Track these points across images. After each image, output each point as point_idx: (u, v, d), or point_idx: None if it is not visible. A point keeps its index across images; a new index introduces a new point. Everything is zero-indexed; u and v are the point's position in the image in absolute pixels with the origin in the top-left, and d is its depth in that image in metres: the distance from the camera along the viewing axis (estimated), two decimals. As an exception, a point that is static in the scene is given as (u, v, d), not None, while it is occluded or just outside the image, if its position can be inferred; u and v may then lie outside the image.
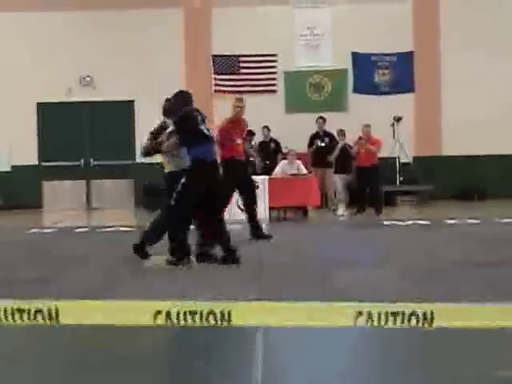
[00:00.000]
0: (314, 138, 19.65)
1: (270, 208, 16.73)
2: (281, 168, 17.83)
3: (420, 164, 21.07)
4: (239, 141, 12.58)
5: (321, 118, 19.96)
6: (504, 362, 5.12)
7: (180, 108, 10.09)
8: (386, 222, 15.81)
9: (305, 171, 17.81)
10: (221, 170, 10.21)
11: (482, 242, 12.01)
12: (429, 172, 20.98)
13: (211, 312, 2.54)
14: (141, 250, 10.16)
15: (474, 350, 5.31)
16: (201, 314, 2.55)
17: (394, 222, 15.75)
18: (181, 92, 10.62)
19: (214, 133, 11.95)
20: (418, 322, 2.54)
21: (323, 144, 19.39)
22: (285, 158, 18.34)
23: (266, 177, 17.08)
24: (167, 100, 10.61)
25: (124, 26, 21.98)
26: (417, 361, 5.31)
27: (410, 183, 20.54)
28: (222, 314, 2.53)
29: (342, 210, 18.08)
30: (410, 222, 15.60)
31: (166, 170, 10.35)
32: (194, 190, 9.66)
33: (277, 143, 20.34)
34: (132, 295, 7.89)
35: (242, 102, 12.88)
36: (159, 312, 2.56)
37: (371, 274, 8.81)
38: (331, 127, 19.77)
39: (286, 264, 9.71)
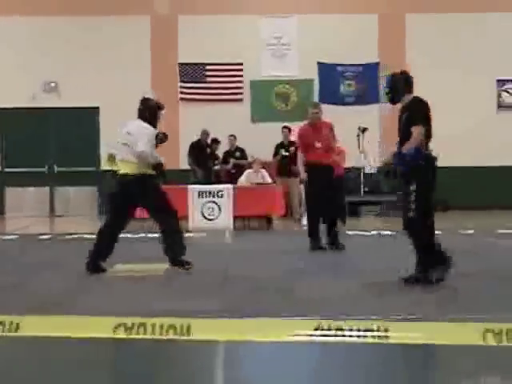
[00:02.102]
0: (278, 147, 19.65)
1: (235, 217, 16.72)
2: (246, 177, 17.85)
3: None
4: (318, 145, 12.53)
5: (285, 127, 19.95)
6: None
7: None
8: (349, 233, 15.83)
9: (269, 180, 17.84)
10: None
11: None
12: (395, 183, 21.04)
13: (171, 326, 2.53)
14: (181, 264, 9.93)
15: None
16: (161, 327, 2.53)
17: (358, 233, 15.79)
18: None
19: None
20: (373, 337, 2.54)
21: (287, 153, 19.36)
22: (250, 167, 18.37)
23: (231, 185, 17.08)
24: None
25: (90, 33, 21.86)
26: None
27: (375, 194, 20.63)
28: (182, 328, 2.52)
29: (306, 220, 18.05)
30: (374, 233, 15.66)
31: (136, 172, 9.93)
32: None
33: (243, 152, 20.35)
34: (94, 304, 7.83)
35: (317, 107, 12.95)
36: (119, 325, 2.53)
37: (334, 286, 8.81)
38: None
39: (250, 275, 9.68)
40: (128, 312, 7.42)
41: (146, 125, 9.99)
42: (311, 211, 12.81)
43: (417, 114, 8.72)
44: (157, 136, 10.08)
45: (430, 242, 8.77)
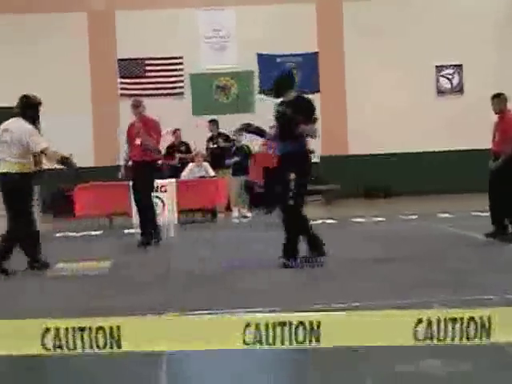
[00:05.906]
0: (209, 141, 19.28)
1: (179, 211, 16.70)
2: (189, 170, 17.81)
3: (327, 163, 21.30)
4: (138, 142, 12.55)
5: (211, 121, 19.50)
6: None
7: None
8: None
9: (212, 173, 17.81)
10: None
11: (385, 239, 12.26)
12: (336, 171, 21.23)
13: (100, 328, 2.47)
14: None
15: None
16: (89, 330, 2.46)
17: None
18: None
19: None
20: (306, 334, 2.56)
21: (215, 146, 18.98)
22: (193, 161, 18.28)
23: (174, 180, 17.02)
24: None
25: (27, 30, 21.59)
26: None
27: (317, 183, 20.70)
28: (112, 331, 2.45)
29: (237, 213, 17.82)
30: (318, 222, 15.71)
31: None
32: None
33: (187, 146, 20.12)
34: (31, 305, 7.76)
35: (136, 105, 12.83)
36: (48, 329, 2.49)
37: (271, 278, 8.82)
38: (238, 129, 19.73)
39: (193, 268, 9.67)
40: (64, 312, 7.35)
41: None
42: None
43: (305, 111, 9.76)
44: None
45: (303, 228, 9.48)
